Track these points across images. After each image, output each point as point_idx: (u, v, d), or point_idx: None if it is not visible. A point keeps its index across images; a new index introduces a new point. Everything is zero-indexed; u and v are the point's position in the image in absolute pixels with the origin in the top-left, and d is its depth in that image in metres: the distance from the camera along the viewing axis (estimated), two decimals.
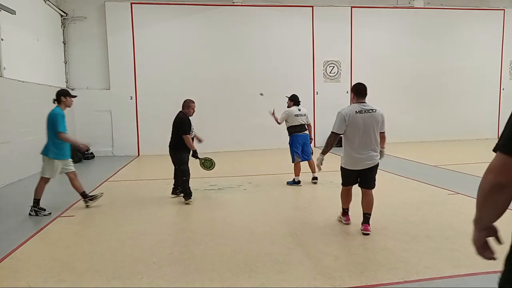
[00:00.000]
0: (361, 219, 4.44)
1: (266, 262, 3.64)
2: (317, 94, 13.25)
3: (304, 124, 7.17)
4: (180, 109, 6.32)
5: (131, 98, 12.17)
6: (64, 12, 11.63)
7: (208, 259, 3.76)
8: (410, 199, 5.88)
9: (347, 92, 13.41)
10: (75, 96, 5.78)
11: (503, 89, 14.53)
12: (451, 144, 13.00)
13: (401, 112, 13.29)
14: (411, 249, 3.87)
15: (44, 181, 5.48)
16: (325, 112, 13.08)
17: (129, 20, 11.99)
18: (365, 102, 4.37)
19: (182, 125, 6.08)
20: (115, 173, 8.94)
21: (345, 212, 4.77)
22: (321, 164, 4.47)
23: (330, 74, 13.35)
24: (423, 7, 13.70)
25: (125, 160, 11.04)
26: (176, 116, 6.24)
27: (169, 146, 6.27)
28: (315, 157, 5.62)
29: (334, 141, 4.39)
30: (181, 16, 12.32)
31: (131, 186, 7.72)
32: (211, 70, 12.50)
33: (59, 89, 5.84)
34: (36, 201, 5.45)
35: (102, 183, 7.66)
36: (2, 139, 7.70)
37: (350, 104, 4.53)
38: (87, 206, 5.76)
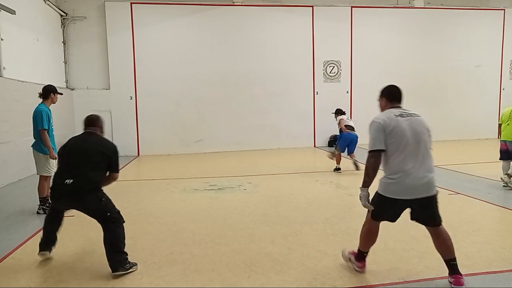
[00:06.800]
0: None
1: (266, 262, 3.64)
2: (317, 94, 13.25)
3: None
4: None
5: (131, 98, 12.18)
6: (64, 12, 11.63)
7: (208, 259, 3.76)
8: None
9: (347, 92, 13.44)
10: (61, 94, 5.86)
11: (503, 89, 14.53)
12: (451, 144, 13.00)
13: None
14: (411, 249, 3.86)
15: (44, 179, 5.49)
16: (325, 112, 13.08)
17: (129, 20, 12.00)
18: (401, 107, 3.22)
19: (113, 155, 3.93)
20: None
21: (361, 255, 3.35)
22: (369, 203, 3.14)
23: (330, 74, 13.36)
24: (423, 7, 13.71)
25: (125, 160, 11.02)
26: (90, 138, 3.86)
27: (83, 182, 3.55)
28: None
29: (377, 163, 3.04)
30: (181, 16, 12.32)
31: (131, 186, 7.72)
32: (211, 70, 12.50)
33: (46, 85, 5.81)
34: (43, 199, 5.48)
35: None
36: (2, 139, 7.70)
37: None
38: (38, 212, 5.48)
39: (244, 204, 5.91)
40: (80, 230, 4.84)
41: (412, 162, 2.97)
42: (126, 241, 3.56)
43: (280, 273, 3.40)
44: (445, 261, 3.13)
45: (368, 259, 3.53)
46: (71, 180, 3.51)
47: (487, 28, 14.25)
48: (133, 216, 5.35)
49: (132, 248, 4.07)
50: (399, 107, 3.19)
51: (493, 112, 14.52)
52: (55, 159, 5.29)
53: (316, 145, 13.36)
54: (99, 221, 3.68)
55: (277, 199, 6.16)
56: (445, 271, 3.30)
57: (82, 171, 3.56)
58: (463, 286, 2.99)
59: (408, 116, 3.07)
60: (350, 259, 3.49)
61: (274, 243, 4.16)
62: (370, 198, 3.15)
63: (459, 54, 14.09)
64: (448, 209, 5.38)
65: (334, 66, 13.37)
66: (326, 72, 13.34)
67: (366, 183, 3.09)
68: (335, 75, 13.39)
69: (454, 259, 3.09)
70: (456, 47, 14.07)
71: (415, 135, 3.00)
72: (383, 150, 3.02)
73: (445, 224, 4.70)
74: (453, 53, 14.06)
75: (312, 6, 12.98)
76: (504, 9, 14.26)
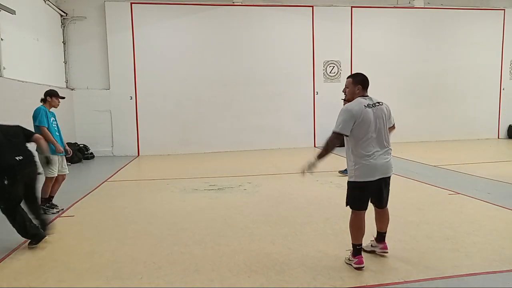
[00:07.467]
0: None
1: (266, 262, 3.65)
2: (317, 94, 13.25)
3: None
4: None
5: (131, 98, 12.17)
6: (64, 12, 11.62)
7: (208, 259, 3.76)
8: (410, 199, 5.88)
9: None
10: (63, 98, 5.90)
11: (503, 89, 14.53)
12: (451, 144, 13.00)
13: (401, 112, 13.25)
14: (411, 249, 3.87)
15: (49, 180, 5.52)
16: (325, 112, 13.08)
17: (129, 20, 11.99)
18: (368, 96, 3.60)
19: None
20: (115, 173, 8.94)
21: (356, 250, 3.47)
22: (308, 171, 3.51)
23: (330, 74, 13.35)
24: (423, 7, 13.70)
25: (125, 160, 11.04)
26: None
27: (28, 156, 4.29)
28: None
29: (336, 143, 3.44)
30: (181, 16, 12.31)
31: (131, 186, 7.72)
32: (211, 70, 12.49)
33: (48, 89, 5.94)
34: (45, 200, 5.49)
35: (102, 183, 7.66)
36: None
37: (345, 99, 3.99)
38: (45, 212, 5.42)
39: (244, 204, 5.91)
40: (80, 230, 4.84)
41: (374, 148, 3.41)
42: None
43: (280, 273, 3.40)
44: (379, 232, 3.75)
45: (368, 259, 3.54)
46: (21, 157, 4.07)
47: (487, 28, 14.24)
48: (133, 216, 5.36)
49: (132, 248, 4.08)
50: (367, 96, 3.58)
51: (493, 112, 14.53)
52: (62, 152, 5.62)
53: (316, 145, 13.36)
54: (29, 195, 4.20)
55: (277, 199, 6.16)
56: (445, 271, 3.36)
57: (23, 148, 4.21)
58: (387, 250, 3.70)
59: (373, 106, 3.47)
60: (349, 259, 3.53)
61: (274, 243, 4.16)
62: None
63: (459, 54, 14.08)
64: (448, 209, 5.38)
65: (334, 66, 13.36)
66: (326, 72, 13.34)
67: (321, 156, 3.47)
68: (335, 75, 13.38)
69: (385, 232, 3.74)
70: (456, 47, 14.06)
71: (378, 124, 3.44)
72: (346, 135, 3.42)
73: (445, 224, 4.72)
74: (453, 53, 14.05)
75: (312, 6, 12.97)
76: (504, 9, 14.24)
